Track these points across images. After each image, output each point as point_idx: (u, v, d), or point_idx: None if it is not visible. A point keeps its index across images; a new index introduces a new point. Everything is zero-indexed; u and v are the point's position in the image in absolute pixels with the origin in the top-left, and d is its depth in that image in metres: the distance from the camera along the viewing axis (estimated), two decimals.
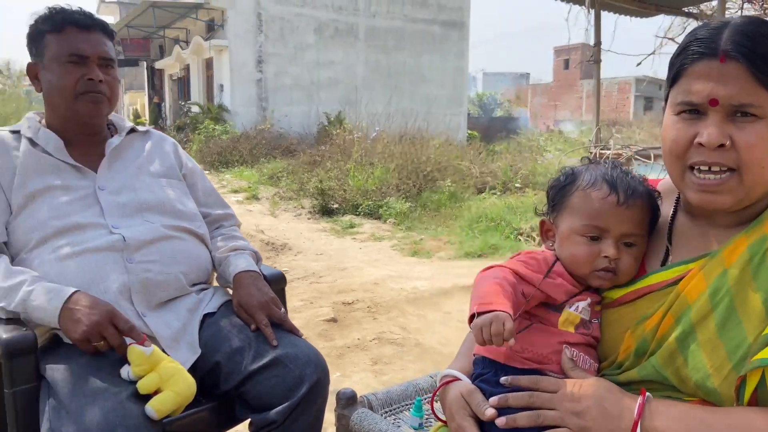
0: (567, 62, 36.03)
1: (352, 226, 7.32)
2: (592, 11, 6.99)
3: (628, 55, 7.74)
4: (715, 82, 0.90)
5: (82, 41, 1.54)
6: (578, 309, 1.05)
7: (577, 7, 7.21)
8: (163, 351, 1.40)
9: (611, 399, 0.93)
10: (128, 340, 1.32)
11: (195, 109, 18.68)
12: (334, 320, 3.78)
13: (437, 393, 1.11)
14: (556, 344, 1.03)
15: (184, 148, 1.87)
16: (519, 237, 6.35)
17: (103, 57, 1.57)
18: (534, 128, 28.62)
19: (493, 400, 0.98)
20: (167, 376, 1.29)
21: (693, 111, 0.94)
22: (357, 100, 17.55)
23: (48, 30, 1.55)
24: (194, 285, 1.62)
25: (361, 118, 12.79)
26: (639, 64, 7.76)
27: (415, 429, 1.28)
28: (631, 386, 0.98)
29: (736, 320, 0.90)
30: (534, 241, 6.20)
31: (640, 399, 0.91)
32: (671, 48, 7.91)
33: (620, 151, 6.75)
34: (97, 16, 1.64)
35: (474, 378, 1.06)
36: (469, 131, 21.55)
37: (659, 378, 0.96)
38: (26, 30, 1.60)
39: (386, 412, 1.38)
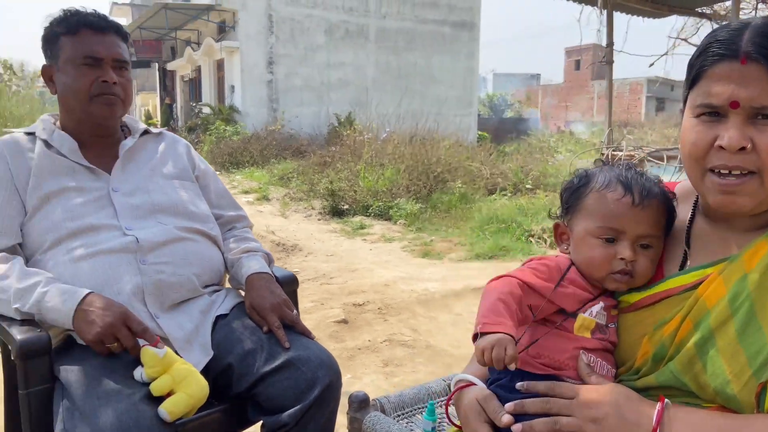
0: (578, 63, 35.89)
1: (362, 227, 7.32)
2: (605, 12, 6.94)
3: (640, 56, 7.70)
4: (735, 84, 0.89)
5: (96, 43, 1.55)
6: (592, 314, 1.04)
7: (589, 8, 7.17)
8: (176, 352, 1.40)
9: (629, 406, 0.92)
10: (141, 341, 1.32)
11: (206, 110, 18.79)
12: (344, 321, 3.77)
13: (452, 398, 1.10)
14: (573, 350, 1.02)
15: (195, 149, 1.88)
16: (530, 239, 6.32)
17: (117, 59, 1.58)
18: (544, 129, 28.54)
19: (509, 406, 0.97)
20: (180, 378, 1.29)
21: (713, 113, 0.92)
22: (367, 101, 17.58)
23: (63, 32, 1.56)
24: (207, 286, 1.62)
25: (371, 119, 12.81)
26: (652, 65, 7.73)
27: None
28: (648, 392, 0.97)
29: (756, 326, 0.89)
30: (545, 243, 6.16)
31: (658, 406, 0.90)
32: (684, 49, 7.87)
33: (632, 153, 6.69)
34: (111, 18, 1.64)
35: (489, 383, 1.05)
36: (480, 132, 21.52)
37: (678, 384, 0.95)
38: (41, 32, 1.61)
39: (399, 416, 1.37)
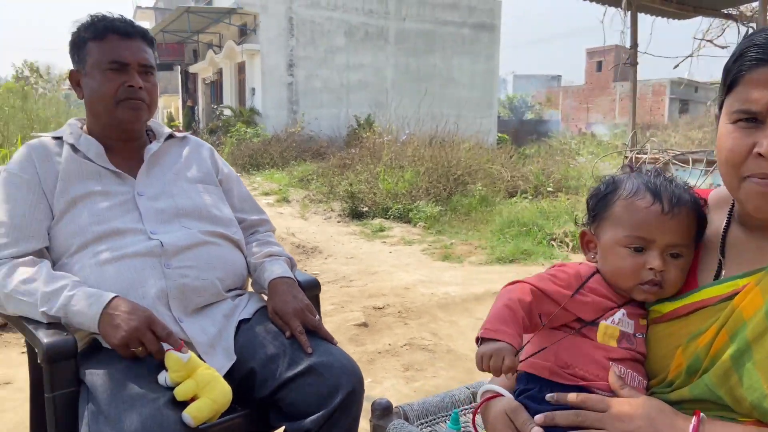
0: (600, 64, 35.53)
1: (381, 230, 7.31)
2: (629, 13, 6.85)
3: (665, 58, 7.57)
4: None
5: (123, 48, 1.56)
6: (614, 321, 1.02)
7: (612, 9, 7.08)
8: (200, 357, 1.40)
9: (663, 420, 0.89)
10: (166, 346, 1.32)
11: (227, 112, 18.98)
12: (365, 325, 3.76)
13: (479, 409, 1.08)
14: (602, 360, 1.00)
15: (216, 151, 1.89)
16: (552, 242, 6.26)
17: (143, 64, 1.59)
18: (565, 131, 28.28)
19: (539, 418, 0.95)
20: (204, 383, 1.29)
21: (751, 119, 0.90)
22: (387, 102, 17.59)
23: (90, 38, 1.57)
24: (230, 291, 1.62)
25: (390, 121, 12.80)
26: (677, 66, 7.58)
27: None
28: (682, 405, 0.94)
29: None
30: (567, 246, 6.10)
31: (694, 420, 0.88)
32: (709, 50, 7.73)
33: (657, 156, 6.58)
34: (137, 23, 1.66)
35: (518, 394, 1.03)
36: (500, 134, 21.40)
37: (712, 397, 0.92)
38: (68, 36, 1.63)
39: (422, 424, 1.35)
